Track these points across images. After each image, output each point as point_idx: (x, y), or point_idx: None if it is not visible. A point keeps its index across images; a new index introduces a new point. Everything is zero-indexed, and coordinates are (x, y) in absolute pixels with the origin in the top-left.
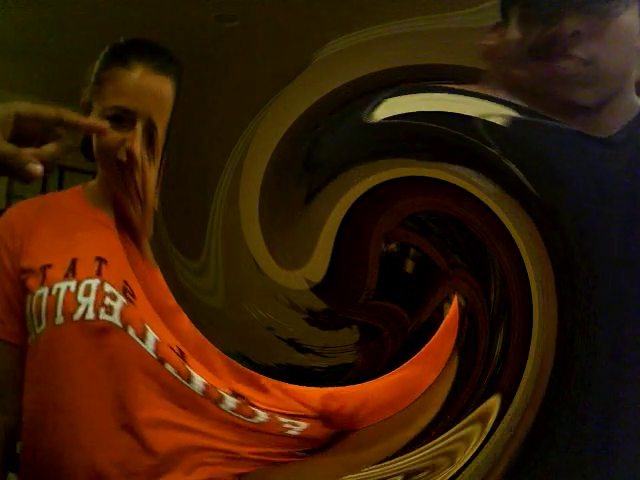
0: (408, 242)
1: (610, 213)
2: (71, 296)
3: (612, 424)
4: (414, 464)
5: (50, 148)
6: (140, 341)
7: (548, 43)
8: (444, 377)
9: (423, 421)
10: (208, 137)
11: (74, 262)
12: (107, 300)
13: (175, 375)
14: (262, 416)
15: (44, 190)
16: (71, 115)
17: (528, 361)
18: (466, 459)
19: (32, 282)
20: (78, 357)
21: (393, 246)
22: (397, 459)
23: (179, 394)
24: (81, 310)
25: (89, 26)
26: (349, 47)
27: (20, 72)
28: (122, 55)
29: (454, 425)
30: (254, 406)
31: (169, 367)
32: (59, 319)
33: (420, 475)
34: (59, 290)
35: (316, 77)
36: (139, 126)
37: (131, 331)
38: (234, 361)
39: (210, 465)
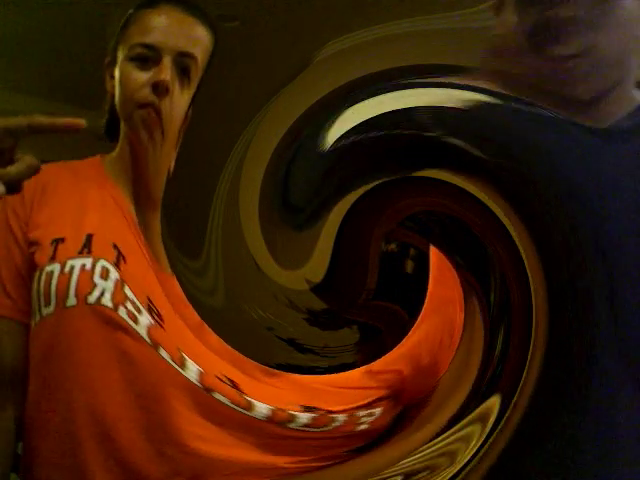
0: (408, 242)
1: (610, 207)
2: (87, 275)
3: (612, 423)
4: (414, 464)
5: (15, 169)
6: (179, 368)
7: (543, 28)
8: (472, 319)
9: (475, 362)
10: (208, 137)
11: (89, 238)
12: (129, 305)
13: (231, 405)
14: (340, 419)
15: None
16: (43, 118)
17: (528, 361)
18: (466, 459)
19: (40, 256)
20: (89, 345)
21: (393, 246)
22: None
23: (229, 421)
24: (97, 293)
25: (89, 27)
26: (349, 47)
27: (20, 72)
28: (150, 2)
29: (454, 425)
30: (331, 412)
31: (219, 397)
32: (71, 300)
33: (420, 475)
34: (73, 268)
35: (316, 77)
36: (166, 60)
37: (164, 353)
38: (282, 372)
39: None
